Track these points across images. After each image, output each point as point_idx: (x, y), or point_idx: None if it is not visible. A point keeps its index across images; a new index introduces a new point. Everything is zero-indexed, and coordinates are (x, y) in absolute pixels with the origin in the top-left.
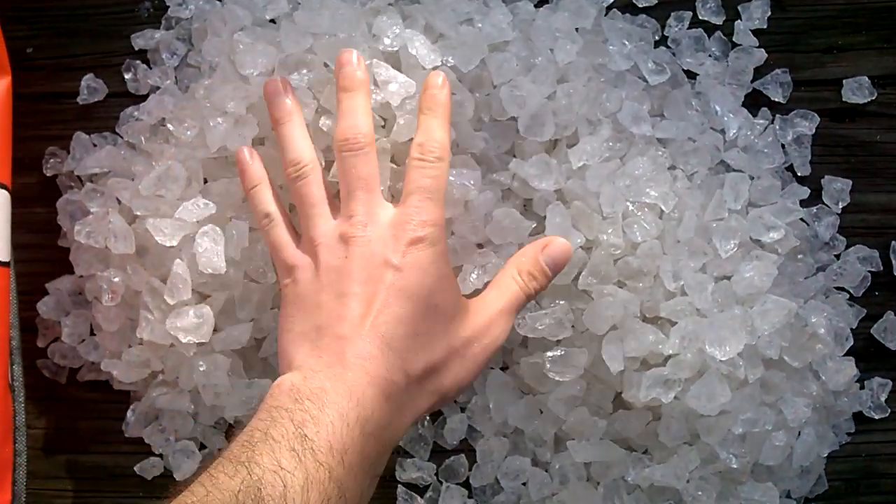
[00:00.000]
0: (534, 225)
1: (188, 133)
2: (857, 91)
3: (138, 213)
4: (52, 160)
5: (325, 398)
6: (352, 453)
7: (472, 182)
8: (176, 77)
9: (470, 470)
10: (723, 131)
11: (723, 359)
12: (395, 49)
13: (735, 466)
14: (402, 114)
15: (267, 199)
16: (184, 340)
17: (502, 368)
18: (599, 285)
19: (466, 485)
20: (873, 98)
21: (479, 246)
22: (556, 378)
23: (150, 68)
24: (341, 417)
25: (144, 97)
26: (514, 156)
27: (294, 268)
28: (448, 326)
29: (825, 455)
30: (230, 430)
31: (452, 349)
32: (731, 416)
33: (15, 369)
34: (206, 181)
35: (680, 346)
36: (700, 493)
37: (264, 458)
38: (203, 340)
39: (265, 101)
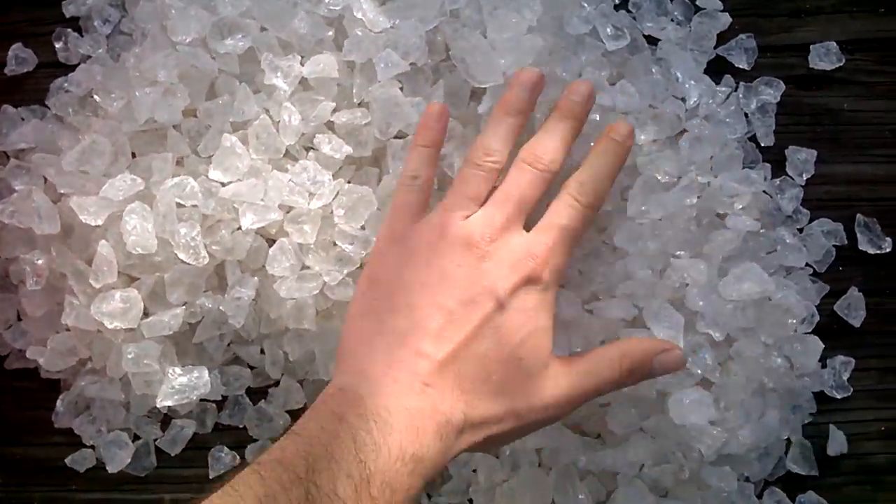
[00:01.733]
0: None
1: (115, 105)
2: (824, 57)
3: (63, 192)
4: None
5: (391, 424)
6: (399, 492)
7: None
8: (108, 46)
9: None
10: (683, 99)
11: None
12: (338, 10)
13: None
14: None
15: (427, 163)
16: (110, 326)
17: None
18: None
19: None
20: (841, 64)
21: None
22: None
23: (82, 37)
24: (400, 450)
25: (76, 67)
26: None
27: (405, 240)
28: (524, 384)
29: (784, 437)
30: (166, 420)
31: (516, 409)
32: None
33: None
34: (134, 156)
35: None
36: (656, 478)
37: (323, 479)
38: (131, 326)
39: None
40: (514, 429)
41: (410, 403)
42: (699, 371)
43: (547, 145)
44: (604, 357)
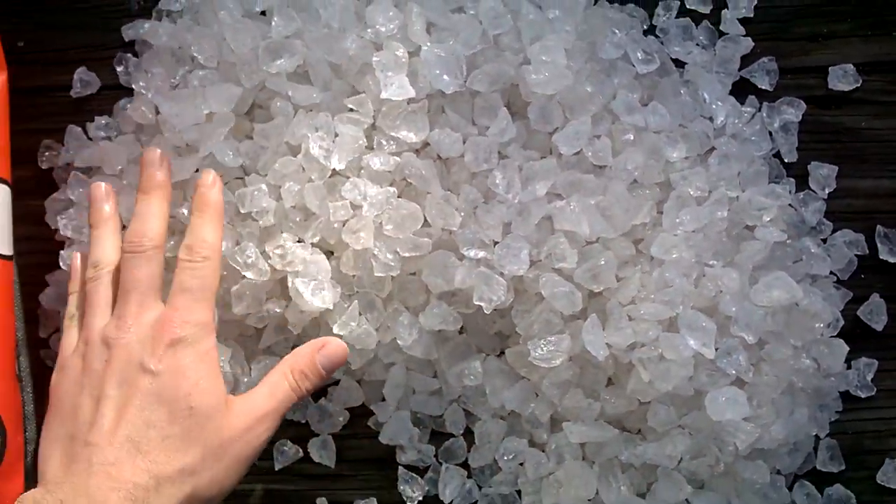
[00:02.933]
0: None
1: (178, 130)
2: (842, 78)
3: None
4: (47, 153)
5: None
6: None
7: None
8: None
9: (468, 451)
10: (711, 119)
11: (700, 349)
12: (385, 34)
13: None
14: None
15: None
16: None
17: (497, 355)
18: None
19: (465, 465)
20: (858, 85)
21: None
22: (543, 365)
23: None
24: None
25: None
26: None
27: (62, 368)
28: (205, 428)
29: (813, 433)
30: None
31: (209, 450)
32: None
33: (22, 361)
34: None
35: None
36: (693, 471)
37: None
38: None
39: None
40: (220, 470)
41: (89, 486)
42: (733, 371)
43: (143, 227)
44: (276, 374)
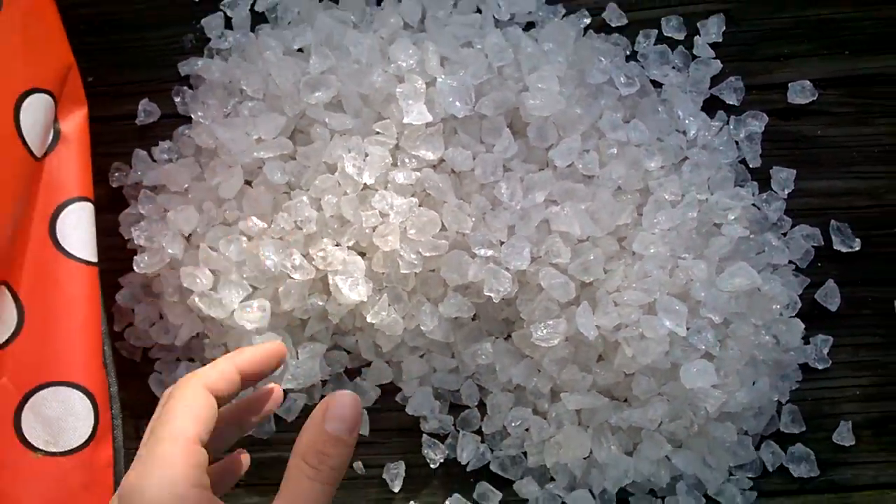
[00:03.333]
0: None
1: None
2: (800, 93)
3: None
4: (116, 174)
5: None
6: None
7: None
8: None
9: (482, 420)
10: (684, 132)
11: (674, 328)
12: (405, 68)
13: (711, 411)
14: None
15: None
16: (249, 328)
17: (505, 337)
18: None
19: (479, 432)
20: (815, 98)
21: None
22: (543, 345)
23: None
24: None
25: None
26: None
27: None
28: None
29: (775, 399)
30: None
31: None
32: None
33: (106, 350)
34: (249, 183)
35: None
36: (672, 432)
37: None
38: (263, 326)
39: None
40: None
41: None
42: (703, 347)
43: None
44: (290, 472)
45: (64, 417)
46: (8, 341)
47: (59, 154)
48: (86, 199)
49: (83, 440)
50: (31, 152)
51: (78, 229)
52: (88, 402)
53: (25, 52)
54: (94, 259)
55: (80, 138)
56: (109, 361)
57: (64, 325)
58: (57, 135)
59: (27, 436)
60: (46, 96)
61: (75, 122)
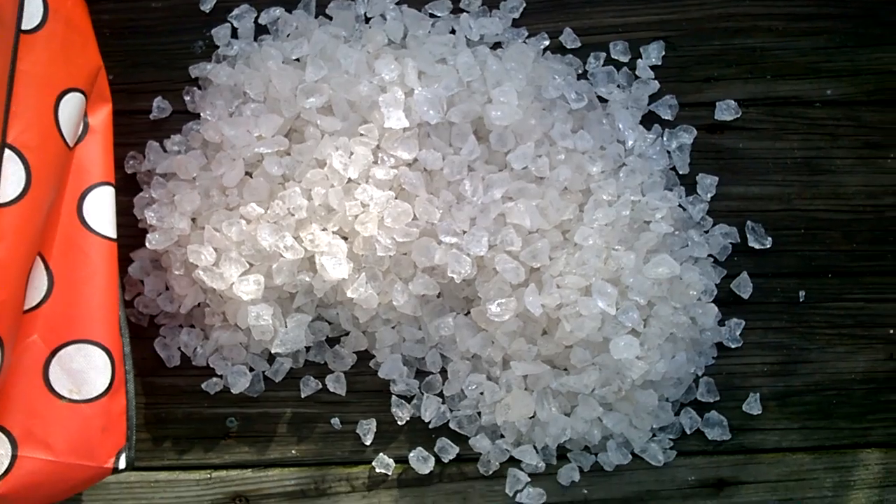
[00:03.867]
0: None
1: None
2: (726, 111)
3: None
4: (131, 161)
5: None
6: None
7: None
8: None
9: (443, 384)
10: (623, 143)
11: (605, 308)
12: (387, 80)
13: (635, 379)
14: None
15: None
16: (246, 299)
17: (466, 313)
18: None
19: (441, 395)
20: (738, 116)
21: None
22: (496, 320)
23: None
24: None
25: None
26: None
27: None
28: None
29: (692, 371)
30: (272, 358)
31: None
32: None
33: (121, 315)
34: (249, 175)
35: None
36: (603, 396)
37: None
38: (257, 297)
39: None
40: None
41: None
42: (629, 324)
43: None
44: None
45: (86, 370)
46: (39, 304)
47: (88, 144)
48: (108, 183)
49: (102, 390)
50: (66, 142)
51: (101, 209)
52: (107, 357)
53: (64, 57)
54: (114, 235)
55: (105, 131)
56: (124, 324)
57: (87, 291)
58: (86, 127)
59: (54, 385)
60: (80, 94)
61: (102, 116)
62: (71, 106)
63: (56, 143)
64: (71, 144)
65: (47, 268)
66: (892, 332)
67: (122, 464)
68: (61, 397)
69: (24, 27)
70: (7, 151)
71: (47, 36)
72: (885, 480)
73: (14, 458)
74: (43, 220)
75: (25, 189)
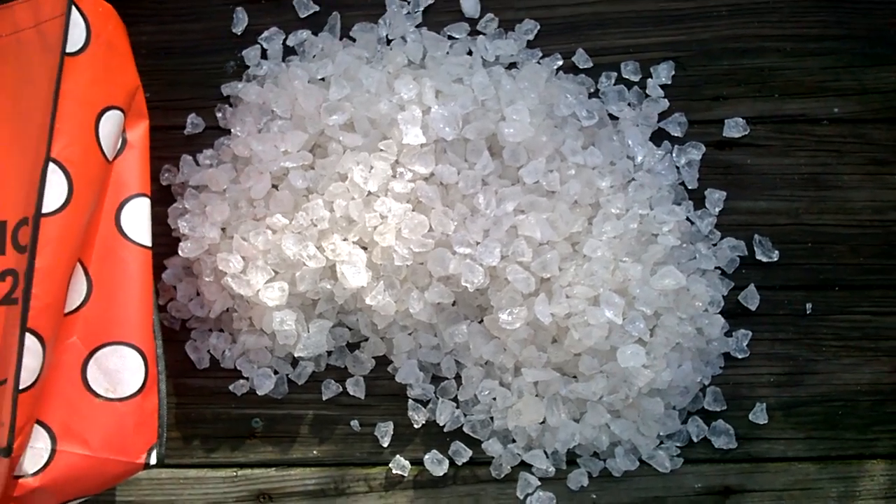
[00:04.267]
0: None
1: (263, 163)
2: (734, 128)
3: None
4: (166, 174)
5: None
6: None
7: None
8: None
9: (458, 389)
10: (633, 158)
11: (612, 318)
12: (406, 99)
13: (641, 387)
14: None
15: None
16: (271, 305)
17: (479, 321)
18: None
19: (455, 400)
20: (746, 133)
21: None
22: (508, 328)
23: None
24: None
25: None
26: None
27: None
28: None
29: (698, 380)
30: (295, 361)
31: None
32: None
33: (155, 319)
34: (275, 187)
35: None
36: (611, 403)
37: None
38: (282, 303)
39: None
40: None
41: None
42: (636, 334)
43: None
44: None
45: (121, 370)
46: (79, 307)
47: (126, 158)
48: (144, 195)
49: (135, 389)
50: (105, 157)
51: (138, 219)
52: (140, 359)
53: (105, 78)
54: (149, 244)
55: (142, 146)
56: (157, 328)
57: (123, 296)
58: (124, 143)
59: (91, 384)
60: (119, 112)
61: (139, 132)
62: (110, 123)
63: (96, 157)
64: (110, 159)
65: (87, 274)
66: None
67: (153, 460)
68: (98, 395)
69: (68, 50)
70: (51, 165)
71: (90, 58)
72: (890, 491)
73: (53, 452)
74: (83, 230)
75: (67, 200)
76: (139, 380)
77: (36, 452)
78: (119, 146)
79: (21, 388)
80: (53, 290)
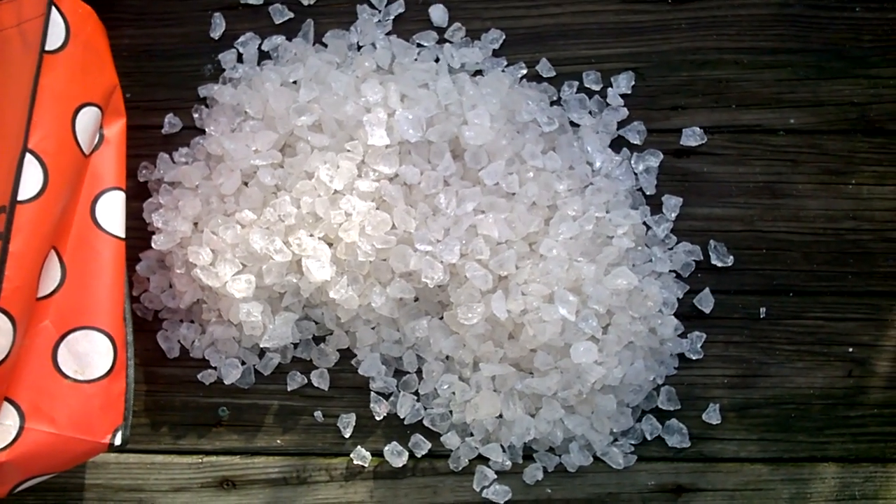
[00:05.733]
0: None
1: (235, 159)
2: (692, 137)
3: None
4: (143, 171)
5: None
6: None
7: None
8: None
9: (419, 383)
10: (592, 164)
11: (566, 315)
12: (372, 102)
13: (594, 383)
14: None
15: None
16: (238, 296)
17: (440, 317)
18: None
19: (416, 393)
20: (703, 142)
21: None
22: (467, 323)
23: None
24: None
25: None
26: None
27: None
28: None
29: (651, 379)
30: (262, 352)
31: None
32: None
33: (127, 307)
34: (245, 184)
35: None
36: (565, 398)
37: None
38: (248, 295)
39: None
40: None
41: None
42: (589, 331)
43: None
44: None
45: (90, 354)
46: (52, 292)
47: (102, 153)
48: (119, 188)
49: (103, 372)
50: (81, 151)
51: (112, 211)
52: (110, 344)
53: (83, 75)
54: (123, 235)
55: (118, 142)
56: (128, 316)
57: (95, 283)
58: (101, 138)
59: (61, 366)
60: (96, 108)
61: (116, 129)
62: (87, 118)
63: (72, 150)
64: (87, 153)
65: (61, 261)
66: (850, 350)
67: (117, 440)
68: (66, 377)
69: (47, 48)
70: (28, 156)
71: (68, 57)
72: (841, 494)
73: (21, 429)
74: (57, 218)
75: (42, 189)
76: (107, 363)
77: (4, 429)
78: (96, 141)
79: None
80: (24, 273)
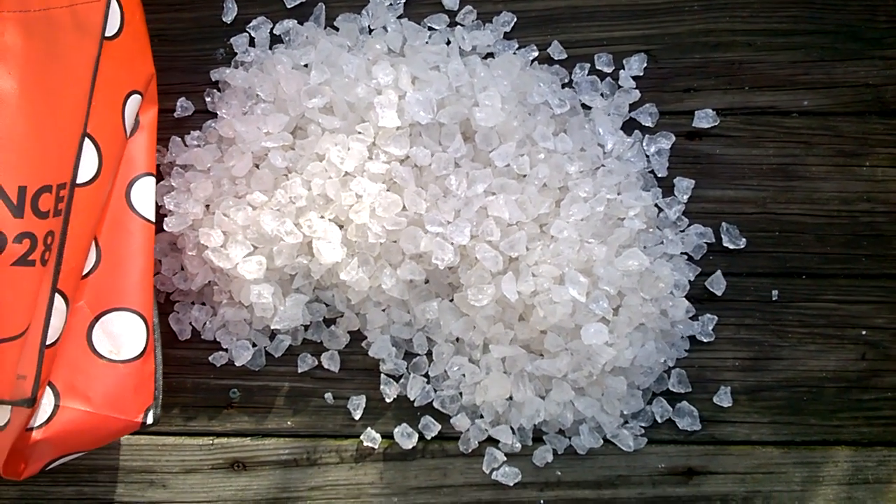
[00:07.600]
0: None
1: (246, 143)
2: (704, 119)
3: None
4: (157, 154)
5: None
6: None
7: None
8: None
9: (429, 365)
10: (603, 146)
11: (577, 296)
12: (383, 84)
13: (604, 364)
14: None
15: None
16: (249, 278)
17: (450, 299)
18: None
19: (426, 375)
20: (716, 124)
21: None
22: (477, 305)
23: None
24: None
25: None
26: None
27: None
28: None
29: (662, 361)
30: (273, 334)
31: None
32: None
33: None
34: (257, 166)
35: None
36: (575, 380)
37: None
38: (259, 277)
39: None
40: None
41: None
42: (599, 312)
43: None
44: None
45: (125, 334)
46: (88, 274)
47: (137, 140)
48: (151, 174)
49: (137, 353)
50: (126, 137)
51: (145, 196)
52: (143, 325)
53: (131, 63)
54: (154, 219)
55: (151, 129)
56: (154, 299)
57: (129, 265)
58: (137, 124)
59: (96, 346)
60: (138, 96)
61: (150, 116)
62: (133, 106)
63: (121, 137)
64: (128, 137)
65: (97, 243)
66: (864, 332)
67: (150, 419)
68: (102, 357)
69: (106, 34)
70: (86, 140)
71: (121, 43)
72: (854, 478)
73: (56, 407)
74: (104, 202)
75: (97, 174)
76: (141, 344)
77: (40, 407)
78: (133, 127)
79: (47, 343)
80: (78, 255)
